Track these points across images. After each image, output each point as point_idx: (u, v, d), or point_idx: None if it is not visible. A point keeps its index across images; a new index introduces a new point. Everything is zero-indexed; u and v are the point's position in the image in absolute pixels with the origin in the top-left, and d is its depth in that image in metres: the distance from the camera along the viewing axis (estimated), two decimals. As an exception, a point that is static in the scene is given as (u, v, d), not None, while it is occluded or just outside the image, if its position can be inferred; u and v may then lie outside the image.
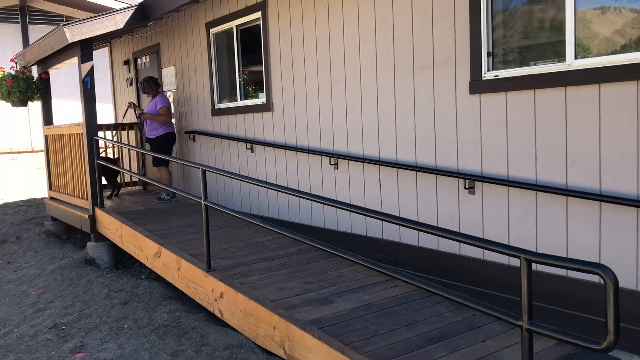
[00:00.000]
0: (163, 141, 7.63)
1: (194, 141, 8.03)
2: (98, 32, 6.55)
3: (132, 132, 9.11)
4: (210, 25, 7.30)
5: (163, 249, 5.16)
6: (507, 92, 3.98)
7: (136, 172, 9.34)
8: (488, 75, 4.10)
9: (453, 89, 4.34)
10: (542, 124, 3.79)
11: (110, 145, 9.16)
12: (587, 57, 3.58)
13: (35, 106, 9.40)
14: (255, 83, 6.85)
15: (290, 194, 3.69)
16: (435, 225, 4.47)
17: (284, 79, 6.13)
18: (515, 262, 3.85)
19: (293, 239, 4.23)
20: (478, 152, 4.21)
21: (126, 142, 8.94)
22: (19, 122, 15.18)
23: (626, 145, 3.37)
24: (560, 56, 3.69)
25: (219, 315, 4.32)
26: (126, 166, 8.83)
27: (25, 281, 6.15)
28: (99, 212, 6.79)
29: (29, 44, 12.45)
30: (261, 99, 6.58)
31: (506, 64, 4.07)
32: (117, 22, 6.72)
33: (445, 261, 4.51)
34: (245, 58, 6.91)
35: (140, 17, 7.02)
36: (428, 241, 4.65)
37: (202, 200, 4.36)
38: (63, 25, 6.38)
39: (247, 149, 6.87)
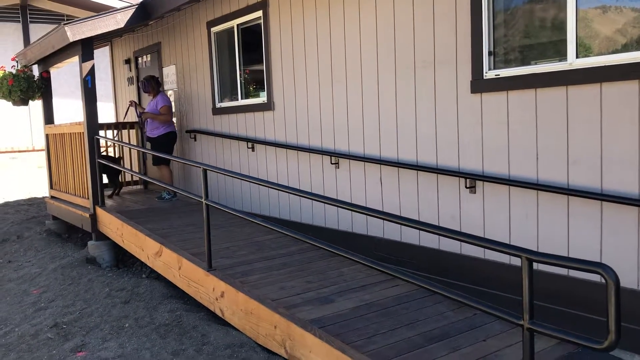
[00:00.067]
0: (164, 140, 7.63)
1: (195, 140, 8.03)
2: (99, 31, 6.55)
3: (132, 132, 9.12)
4: (211, 24, 7.30)
5: (164, 248, 5.16)
6: (508, 91, 3.97)
7: (137, 171, 9.34)
8: (489, 74, 4.10)
9: (454, 88, 4.34)
10: (543, 123, 3.78)
11: (112, 144, 9.16)
12: (589, 56, 3.57)
13: (36, 105, 9.41)
14: (256, 82, 6.85)
15: (291, 193, 3.69)
16: (437, 224, 4.47)
17: (285, 78, 6.13)
18: (516, 261, 3.84)
19: (294, 238, 4.23)
20: (479, 152, 4.20)
21: (127, 141, 8.94)
22: (20, 121, 15.19)
23: (627, 144, 3.36)
24: (562, 55, 3.69)
25: (220, 315, 4.32)
26: (127, 165, 8.83)
27: (26, 280, 6.15)
28: (100, 211, 6.79)
29: (30, 43, 12.44)
30: (262, 98, 6.58)
31: (507, 63, 4.06)
32: (118, 21, 6.71)
33: (447, 260, 4.51)
34: (246, 57, 6.91)
35: (141, 16, 7.02)
36: (429, 240, 4.64)
37: (203, 200, 4.36)
38: (64, 24, 6.37)
39: (248, 148, 6.87)
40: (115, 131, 8.87)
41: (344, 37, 5.29)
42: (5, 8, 15.42)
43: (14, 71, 7.79)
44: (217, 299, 4.33)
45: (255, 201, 6.85)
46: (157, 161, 7.76)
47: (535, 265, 2.27)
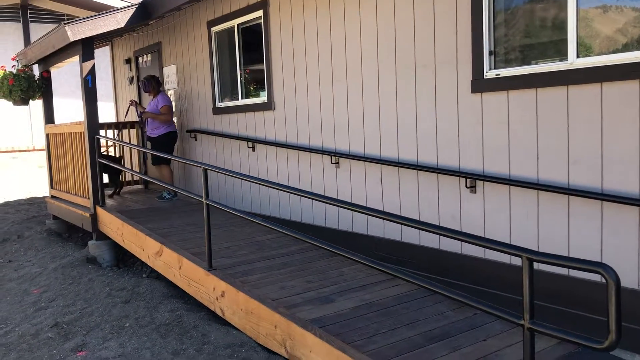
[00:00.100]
0: (165, 140, 7.63)
1: (195, 140, 8.03)
2: (99, 31, 6.55)
3: (133, 131, 9.12)
4: (211, 23, 7.30)
5: (164, 248, 5.17)
6: (508, 90, 3.97)
7: (138, 170, 9.34)
8: (490, 74, 4.09)
9: (455, 87, 4.34)
10: (544, 122, 3.78)
11: (112, 143, 9.16)
12: (589, 56, 3.57)
13: (37, 105, 9.41)
14: (257, 82, 6.85)
15: (291, 192, 3.69)
16: (437, 224, 4.47)
17: (285, 77, 6.13)
18: (516, 261, 3.84)
19: (294, 238, 4.23)
20: (480, 151, 4.20)
21: (128, 141, 8.94)
22: (21, 121, 15.20)
23: (628, 144, 3.36)
24: (562, 55, 3.68)
25: (220, 314, 4.32)
26: (127, 165, 8.83)
27: (26, 280, 6.15)
28: (100, 211, 6.79)
29: (30, 43, 12.45)
30: (262, 98, 6.58)
31: (508, 63, 4.06)
32: (119, 20, 6.71)
33: (447, 260, 4.51)
34: (247, 57, 6.91)
35: (142, 16, 7.02)
36: (429, 240, 4.64)
37: (203, 199, 4.36)
38: (64, 23, 6.38)
39: (248, 147, 6.87)
40: (116, 131, 8.88)
41: (344, 36, 5.29)
42: (5, 7, 15.42)
43: (14, 71, 7.79)
44: (217, 299, 4.33)
45: (256, 201, 6.85)
46: (157, 161, 7.76)
47: (535, 265, 2.27)
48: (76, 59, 7.01)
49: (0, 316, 5.12)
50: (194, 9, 7.68)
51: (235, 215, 4.19)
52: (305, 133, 5.91)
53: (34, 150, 15.14)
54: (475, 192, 4.27)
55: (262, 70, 6.48)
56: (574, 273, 3.65)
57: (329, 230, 5.69)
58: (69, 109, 14.30)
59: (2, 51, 14.36)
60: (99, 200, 6.84)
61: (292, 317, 3.52)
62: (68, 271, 6.15)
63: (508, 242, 3.95)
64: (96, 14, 6.75)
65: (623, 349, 3.40)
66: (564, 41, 3.66)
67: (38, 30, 15.11)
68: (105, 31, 6.68)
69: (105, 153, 8.60)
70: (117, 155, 8.73)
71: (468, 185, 4.29)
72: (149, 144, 8.01)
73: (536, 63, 3.87)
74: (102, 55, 12.23)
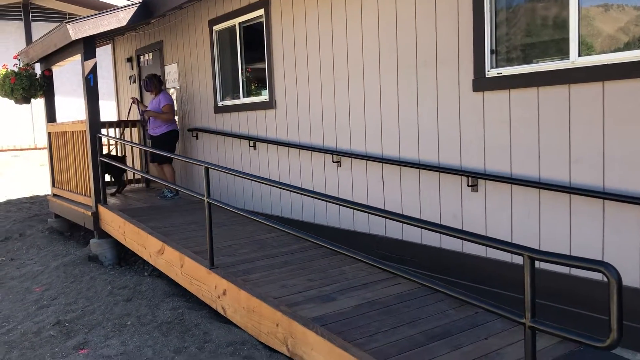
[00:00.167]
0: (166, 139, 7.64)
1: (197, 139, 8.04)
2: (101, 30, 6.56)
3: (135, 130, 9.13)
4: (213, 22, 7.30)
5: (166, 246, 5.17)
6: (510, 89, 3.97)
7: (139, 169, 9.35)
8: (491, 72, 4.09)
9: (456, 86, 4.33)
10: (545, 121, 3.78)
11: (115, 142, 9.17)
12: (591, 54, 3.57)
13: (38, 103, 9.42)
14: (258, 80, 6.86)
15: (293, 191, 3.69)
16: (438, 222, 4.47)
17: (286, 76, 6.13)
18: (518, 259, 3.85)
19: (296, 237, 4.23)
20: (481, 150, 4.20)
21: (129, 140, 8.95)
22: (22, 120, 15.21)
23: (630, 142, 3.36)
24: (564, 54, 3.68)
25: (222, 312, 4.33)
26: (129, 163, 8.84)
27: (28, 278, 6.17)
28: (102, 209, 6.80)
29: (32, 41, 12.45)
30: (264, 97, 6.58)
31: (509, 62, 4.06)
32: (120, 19, 6.72)
33: (448, 259, 4.51)
34: (248, 55, 6.91)
35: (143, 15, 7.02)
36: (431, 239, 4.65)
37: (204, 198, 4.37)
38: (66, 22, 6.38)
39: (249, 146, 6.87)
40: (118, 130, 8.88)
41: (345, 35, 5.29)
42: (7, 6, 15.44)
43: (16, 69, 7.80)
44: (219, 297, 4.34)
45: (257, 199, 6.86)
46: (159, 159, 7.76)
47: (537, 264, 2.27)
48: (78, 57, 7.02)
49: (2, 314, 5.13)
50: (195, 8, 7.68)
51: (237, 214, 4.20)
52: (307, 132, 5.91)
53: (35, 148, 15.16)
54: (477, 191, 4.27)
55: (264, 69, 6.48)
56: (576, 272, 3.66)
57: (330, 228, 5.69)
58: (71, 107, 14.31)
59: (3, 50, 14.37)
60: (100, 198, 6.85)
61: (293, 316, 3.52)
62: (70, 269, 6.16)
63: (509, 241, 3.95)
64: (98, 12, 6.76)
65: (624, 348, 3.40)
66: (565, 40, 3.66)
67: (40, 29, 15.12)
68: (106, 30, 6.68)
69: (107, 152, 8.61)
70: (121, 155, 8.74)
71: (469, 184, 4.29)
72: (150, 143, 8.02)
73: (538, 62, 3.87)
74: (103, 54, 12.22)
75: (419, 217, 4.69)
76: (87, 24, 6.42)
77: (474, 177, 4.24)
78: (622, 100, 3.37)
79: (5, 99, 8.09)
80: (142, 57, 9.70)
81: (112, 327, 4.43)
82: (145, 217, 6.36)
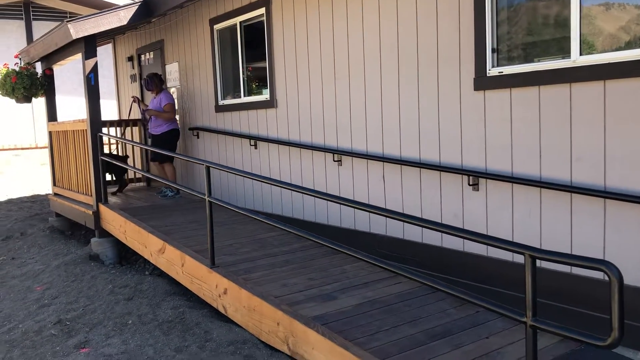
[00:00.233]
0: (167, 137, 7.64)
1: (198, 137, 8.04)
2: (102, 29, 6.56)
3: (135, 129, 9.13)
4: (214, 21, 7.30)
5: (167, 245, 5.18)
6: (511, 88, 3.97)
7: (140, 168, 9.36)
8: (492, 71, 4.09)
9: (457, 85, 4.33)
10: (546, 120, 3.78)
11: (117, 142, 9.18)
12: (592, 53, 3.56)
13: (39, 102, 9.43)
14: (259, 79, 6.85)
15: (293, 190, 3.69)
16: (439, 221, 4.47)
17: (287, 75, 6.13)
18: (519, 258, 3.85)
19: (297, 236, 4.23)
20: (482, 149, 4.20)
21: (130, 139, 8.95)
22: (23, 119, 15.22)
23: (631, 141, 3.36)
24: (565, 52, 3.68)
25: (222, 311, 4.33)
26: (130, 162, 8.84)
27: (29, 277, 6.17)
28: (103, 208, 6.81)
29: (33, 41, 12.46)
30: (265, 96, 6.58)
31: (511, 61, 4.06)
32: (121, 18, 6.72)
33: (449, 258, 4.51)
34: (249, 54, 6.91)
35: (144, 14, 7.02)
36: (432, 238, 4.64)
37: (206, 197, 4.37)
38: (67, 21, 6.38)
39: (250, 145, 6.87)
40: (119, 129, 8.88)
41: (346, 34, 5.29)
42: (8, 5, 15.44)
43: (17, 68, 7.80)
44: (220, 296, 4.34)
45: (258, 198, 6.86)
46: (160, 158, 7.77)
47: (538, 263, 2.27)
48: (79, 56, 7.02)
49: (3, 313, 5.14)
50: (196, 7, 7.68)
51: (238, 213, 4.20)
52: (308, 131, 5.91)
53: (36, 147, 15.16)
54: (478, 190, 4.27)
55: (265, 68, 6.48)
56: (577, 270, 3.65)
57: (331, 227, 5.69)
58: (72, 106, 14.31)
59: (4, 49, 14.37)
60: (101, 197, 6.85)
61: (294, 315, 3.52)
62: (71, 268, 6.16)
63: (511, 240, 3.95)
64: (99, 11, 6.76)
65: (625, 347, 3.40)
66: (566, 39, 3.65)
67: (41, 28, 15.12)
68: (107, 29, 6.68)
69: (108, 152, 8.61)
70: (123, 154, 8.74)
71: (470, 183, 4.28)
72: (150, 141, 8.02)
73: (539, 61, 3.86)
74: (104, 53, 12.22)
75: (420, 216, 4.69)
76: (88, 23, 6.42)
77: (475, 176, 4.23)
78: (623, 99, 3.37)
79: (6, 98, 8.10)
80: (143, 56, 9.70)
81: (113, 326, 4.43)
82: (146, 216, 6.36)
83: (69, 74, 14.30)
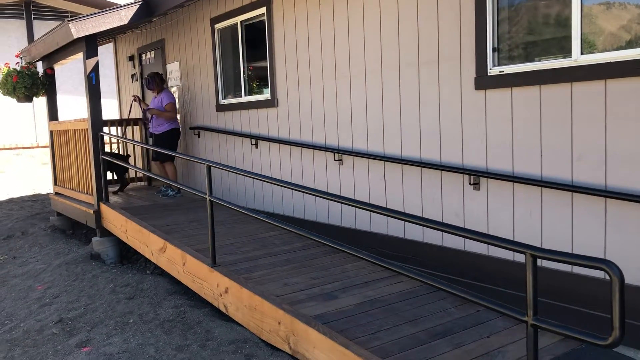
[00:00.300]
0: (168, 137, 7.65)
1: (199, 137, 8.05)
2: (103, 28, 6.57)
3: (137, 128, 9.13)
4: (215, 20, 7.30)
5: (168, 244, 5.18)
6: (512, 87, 3.97)
7: (141, 167, 9.36)
8: (493, 70, 4.09)
9: (458, 84, 4.33)
10: (547, 119, 3.78)
11: (118, 141, 9.18)
12: (593, 52, 3.56)
13: (41, 102, 9.44)
14: (260, 79, 6.86)
15: (294, 189, 3.70)
16: (440, 220, 4.47)
17: (288, 74, 6.13)
18: (520, 257, 3.85)
19: (298, 235, 4.24)
20: (483, 148, 4.20)
21: (131, 138, 8.96)
22: (24, 118, 15.22)
23: (632, 141, 3.35)
24: (566, 52, 3.68)
25: (224, 310, 4.34)
26: (131, 161, 8.85)
27: (31, 276, 6.18)
28: (104, 208, 6.81)
29: (34, 40, 12.47)
30: (266, 95, 6.58)
31: (512, 60, 4.06)
32: (122, 17, 6.73)
33: (450, 257, 4.51)
34: (250, 54, 6.91)
35: (145, 13, 7.03)
36: (432, 237, 4.65)
37: (207, 196, 4.37)
38: (68, 21, 6.39)
39: (251, 144, 6.88)
40: (120, 128, 8.89)
41: (347, 33, 5.29)
42: (9, 5, 15.45)
43: (18, 68, 7.81)
44: (221, 295, 4.34)
45: (259, 198, 6.86)
46: (161, 157, 7.77)
47: (539, 262, 2.27)
48: (80, 56, 7.03)
49: (5, 312, 5.14)
50: (197, 6, 7.68)
51: (239, 212, 4.20)
52: (309, 130, 5.92)
53: (37, 147, 15.17)
54: (479, 189, 4.27)
55: (266, 67, 6.48)
56: (578, 270, 3.65)
57: (332, 227, 5.70)
58: (73, 106, 14.32)
59: (5, 48, 14.39)
60: (102, 197, 6.86)
61: (295, 314, 3.53)
62: (72, 267, 6.17)
63: (511, 239, 3.95)
64: (100, 11, 6.77)
65: (626, 346, 3.40)
66: (567, 38, 3.65)
67: (42, 27, 15.12)
68: (108, 28, 6.69)
69: (115, 151, 8.62)
70: (125, 154, 8.75)
71: (471, 182, 4.28)
72: (151, 140, 8.03)
73: (540, 60, 3.86)
74: (105, 52, 12.24)
75: (421, 215, 4.70)
76: (89, 22, 6.43)
77: (476, 176, 4.23)
78: (624, 99, 3.37)
79: (8, 98, 8.10)
80: (144, 55, 9.70)
81: (114, 325, 4.44)
82: (147, 215, 6.37)
83: (70, 73, 14.32)
